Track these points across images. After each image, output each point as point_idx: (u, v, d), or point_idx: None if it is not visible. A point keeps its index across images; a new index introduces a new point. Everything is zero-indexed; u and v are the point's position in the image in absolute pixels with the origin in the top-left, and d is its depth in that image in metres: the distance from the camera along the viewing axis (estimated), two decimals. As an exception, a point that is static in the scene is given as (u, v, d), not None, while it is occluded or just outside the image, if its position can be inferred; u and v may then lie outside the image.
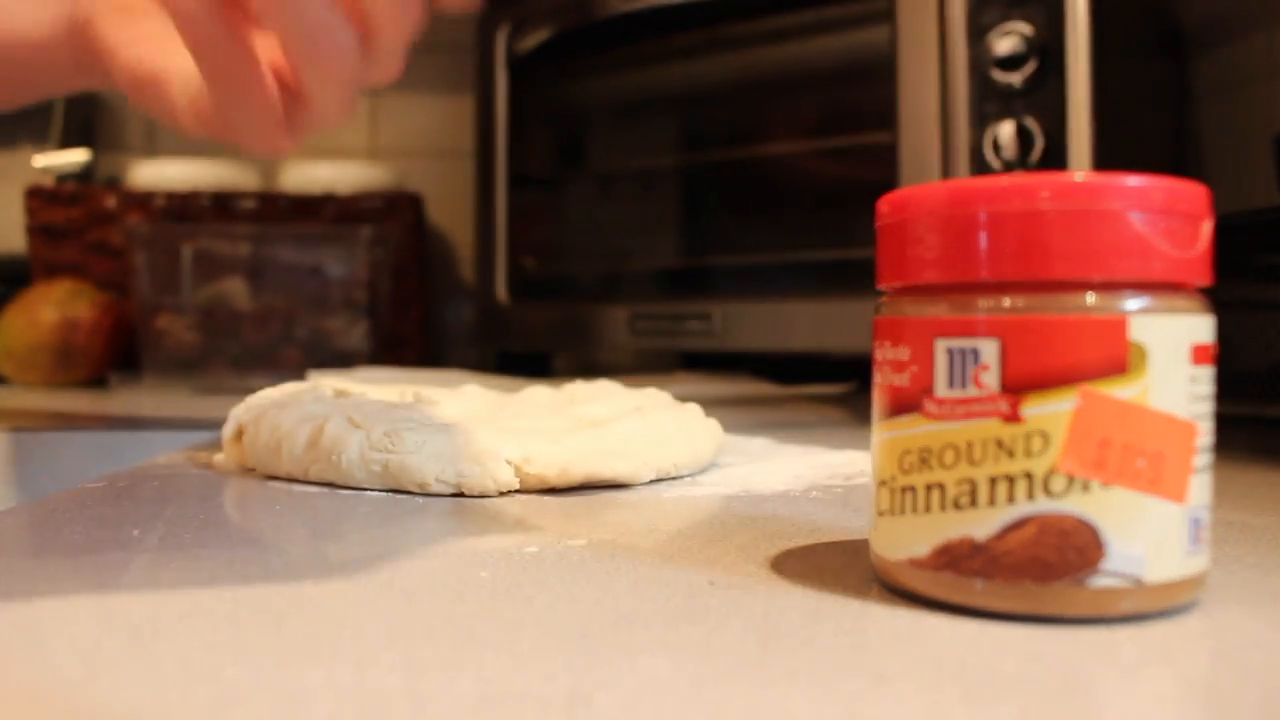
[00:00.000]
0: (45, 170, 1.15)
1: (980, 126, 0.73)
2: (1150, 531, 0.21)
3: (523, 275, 1.06)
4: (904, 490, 0.22)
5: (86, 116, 1.28)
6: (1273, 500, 0.36)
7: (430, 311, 1.30)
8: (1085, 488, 0.21)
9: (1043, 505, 0.21)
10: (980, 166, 0.73)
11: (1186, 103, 0.94)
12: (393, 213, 1.15)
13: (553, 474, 0.35)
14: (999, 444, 0.21)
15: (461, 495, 0.35)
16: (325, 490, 0.36)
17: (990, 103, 0.73)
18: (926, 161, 0.74)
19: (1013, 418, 0.21)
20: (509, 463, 0.35)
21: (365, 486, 0.35)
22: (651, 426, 0.38)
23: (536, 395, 0.45)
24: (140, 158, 1.28)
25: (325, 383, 0.43)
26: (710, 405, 0.46)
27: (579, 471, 0.35)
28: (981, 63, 0.73)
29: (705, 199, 0.96)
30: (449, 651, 0.19)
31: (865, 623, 0.22)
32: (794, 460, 0.42)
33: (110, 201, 1.11)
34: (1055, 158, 0.71)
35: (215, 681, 0.18)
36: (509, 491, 0.35)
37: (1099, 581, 0.21)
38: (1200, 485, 0.22)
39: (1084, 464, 0.21)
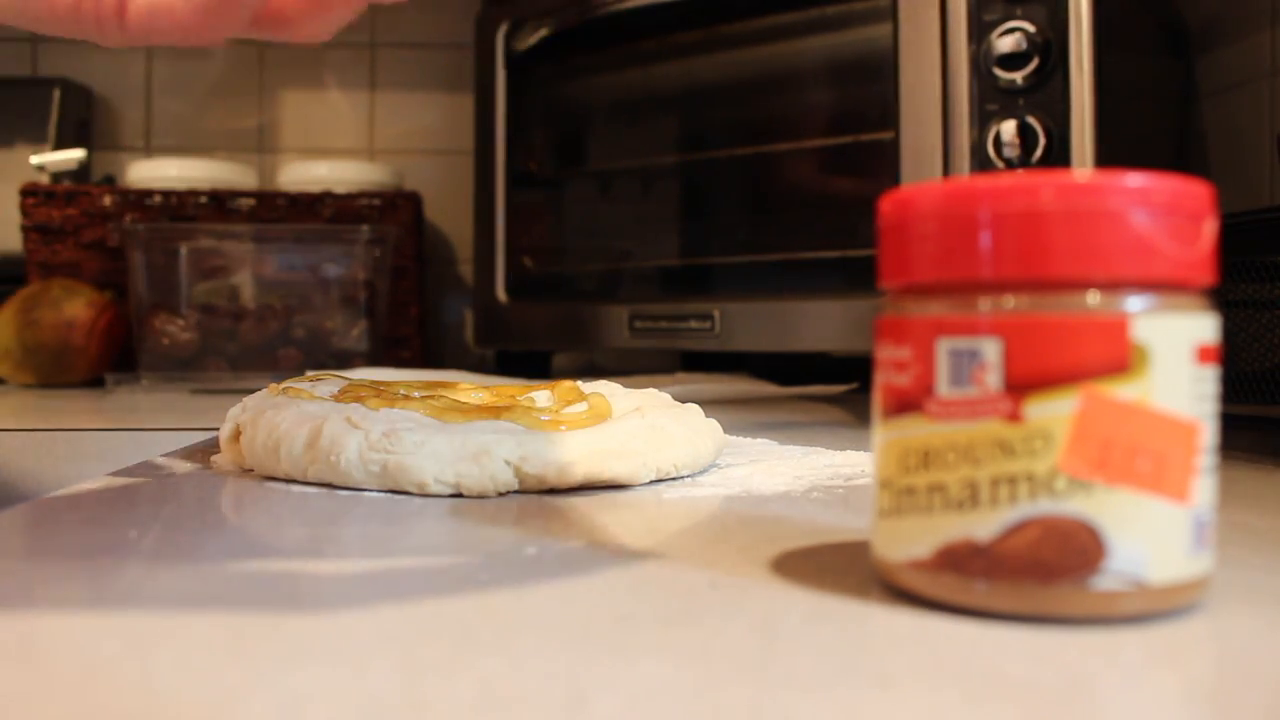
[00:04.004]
0: (41, 169, 1.15)
1: (982, 125, 0.73)
2: (1153, 532, 0.21)
3: (522, 274, 1.06)
4: (905, 491, 0.22)
5: (83, 115, 1.28)
6: (1276, 502, 0.36)
7: (429, 311, 1.30)
8: (1087, 488, 0.21)
9: (1045, 506, 0.21)
10: (982, 165, 0.73)
11: (1189, 101, 0.94)
12: (391, 212, 1.15)
13: (552, 474, 0.35)
14: (1001, 444, 0.21)
15: (460, 496, 0.35)
16: (323, 491, 0.36)
17: (992, 101, 0.73)
18: (928, 160, 0.74)
19: (1014, 418, 0.21)
20: (508, 463, 0.35)
21: (364, 487, 0.35)
22: (651, 427, 0.38)
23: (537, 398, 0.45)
24: (137, 156, 1.28)
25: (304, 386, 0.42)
26: (710, 405, 0.45)
27: (578, 472, 0.35)
28: (983, 61, 0.73)
29: (705, 198, 0.96)
30: (448, 652, 0.19)
31: (867, 624, 0.21)
32: (795, 461, 0.42)
33: (106, 200, 1.11)
34: (1057, 156, 0.71)
35: (214, 683, 0.17)
36: (508, 492, 0.35)
37: (1101, 583, 0.21)
38: (1204, 486, 0.21)
39: (1086, 464, 0.20)
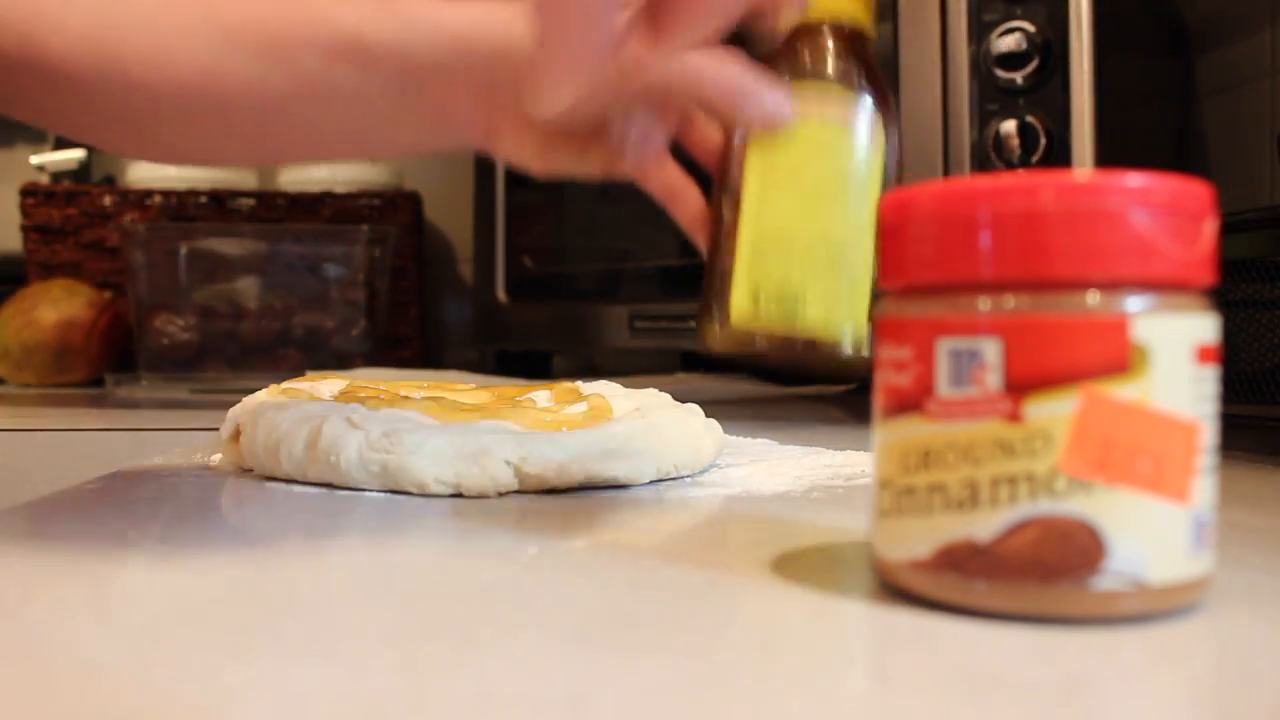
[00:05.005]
0: (41, 169, 1.15)
1: (982, 125, 0.73)
2: (1153, 533, 0.21)
3: (522, 274, 1.06)
4: (905, 491, 0.22)
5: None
6: (1276, 502, 0.36)
7: (429, 311, 1.30)
8: (1087, 488, 0.21)
9: (1045, 506, 0.21)
10: (982, 165, 0.73)
11: (1190, 101, 0.94)
12: (391, 211, 1.15)
13: (552, 474, 0.35)
14: (1001, 444, 0.21)
15: (460, 496, 0.35)
16: (324, 491, 0.36)
17: (992, 101, 0.73)
18: (928, 160, 0.74)
19: (1015, 418, 0.21)
20: (508, 463, 0.35)
21: (364, 487, 0.35)
22: (651, 427, 0.38)
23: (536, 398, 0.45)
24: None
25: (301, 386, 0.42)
26: (710, 405, 0.45)
27: (579, 472, 0.35)
28: (983, 61, 0.73)
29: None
30: (449, 652, 0.19)
31: (867, 624, 0.21)
32: (795, 461, 0.42)
33: (107, 200, 1.11)
34: (1058, 156, 0.71)
35: (214, 682, 0.17)
36: (508, 492, 0.35)
37: (1101, 583, 0.21)
38: (1204, 486, 0.21)
39: (1086, 465, 0.20)
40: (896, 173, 0.54)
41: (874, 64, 0.56)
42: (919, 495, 0.22)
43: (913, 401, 0.22)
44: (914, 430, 0.22)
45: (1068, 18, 0.71)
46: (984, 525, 0.21)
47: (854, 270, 0.53)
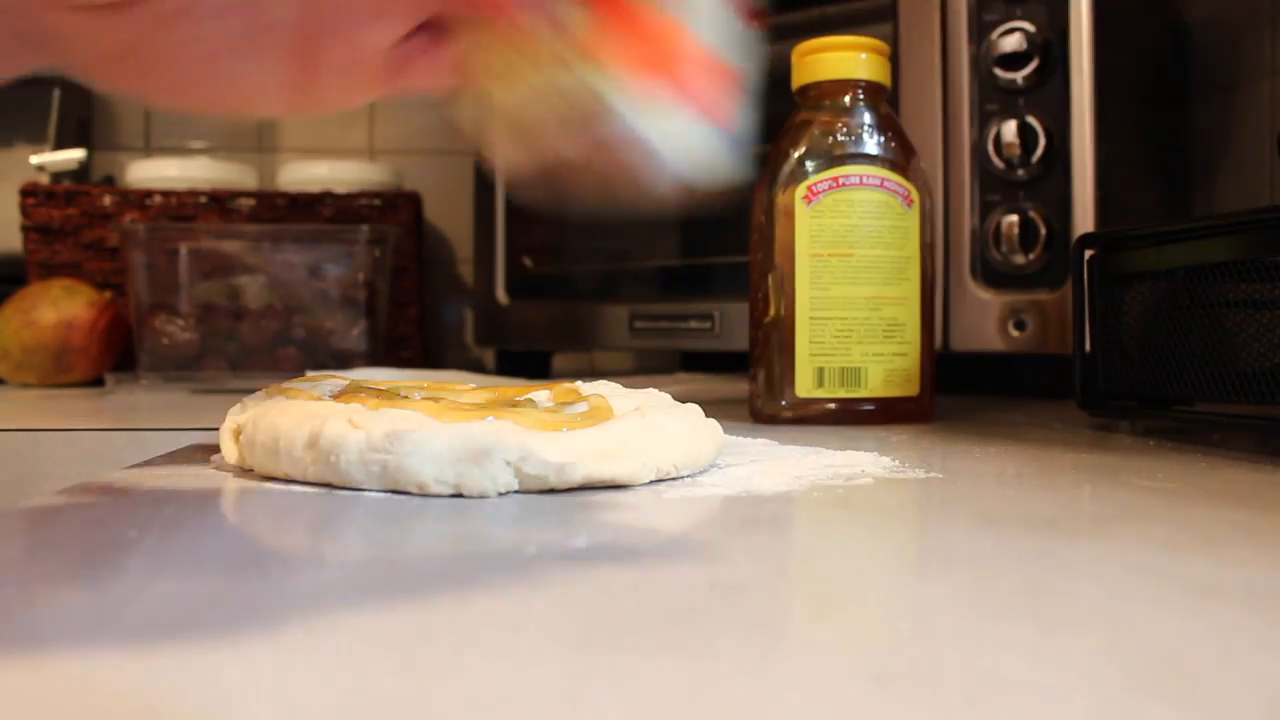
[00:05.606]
0: (41, 169, 1.15)
1: (982, 125, 0.73)
2: None
3: (522, 274, 1.06)
4: None
5: (83, 115, 1.28)
6: (1276, 502, 0.36)
7: (429, 311, 1.30)
8: None
9: None
10: (982, 165, 0.73)
11: (1190, 101, 0.94)
12: (391, 212, 1.15)
13: (552, 474, 0.35)
14: None
15: (460, 496, 0.35)
16: (324, 491, 0.36)
17: (992, 101, 0.73)
18: (928, 160, 0.74)
19: None
20: (508, 463, 0.35)
21: (364, 487, 0.35)
22: (651, 426, 0.38)
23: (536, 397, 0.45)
24: (137, 156, 1.28)
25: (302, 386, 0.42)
26: (710, 405, 0.45)
27: (578, 472, 0.35)
28: (983, 61, 0.73)
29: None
30: (449, 652, 0.19)
31: (867, 625, 0.21)
32: (795, 461, 0.42)
33: (107, 200, 1.11)
34: (1057, 156, 0.71)
35: (214, 683, 0.17)
36: (508, 492, 0.35)
37: None
38: None
39: None
40: (930, 229, 0.55)
41: (896, 121, 0.56)
42: None
43: None
44: None
45: (1068, 18, 0.71)
46: None
47: (906, 331, 0.54)
